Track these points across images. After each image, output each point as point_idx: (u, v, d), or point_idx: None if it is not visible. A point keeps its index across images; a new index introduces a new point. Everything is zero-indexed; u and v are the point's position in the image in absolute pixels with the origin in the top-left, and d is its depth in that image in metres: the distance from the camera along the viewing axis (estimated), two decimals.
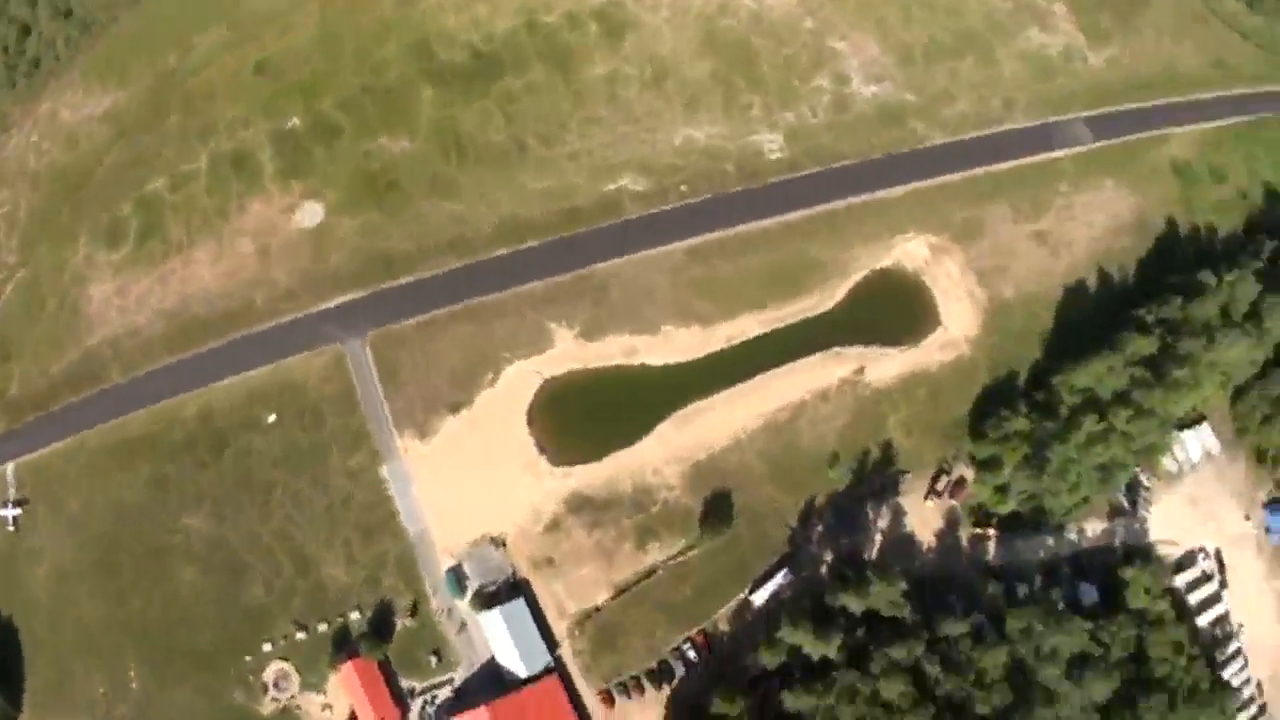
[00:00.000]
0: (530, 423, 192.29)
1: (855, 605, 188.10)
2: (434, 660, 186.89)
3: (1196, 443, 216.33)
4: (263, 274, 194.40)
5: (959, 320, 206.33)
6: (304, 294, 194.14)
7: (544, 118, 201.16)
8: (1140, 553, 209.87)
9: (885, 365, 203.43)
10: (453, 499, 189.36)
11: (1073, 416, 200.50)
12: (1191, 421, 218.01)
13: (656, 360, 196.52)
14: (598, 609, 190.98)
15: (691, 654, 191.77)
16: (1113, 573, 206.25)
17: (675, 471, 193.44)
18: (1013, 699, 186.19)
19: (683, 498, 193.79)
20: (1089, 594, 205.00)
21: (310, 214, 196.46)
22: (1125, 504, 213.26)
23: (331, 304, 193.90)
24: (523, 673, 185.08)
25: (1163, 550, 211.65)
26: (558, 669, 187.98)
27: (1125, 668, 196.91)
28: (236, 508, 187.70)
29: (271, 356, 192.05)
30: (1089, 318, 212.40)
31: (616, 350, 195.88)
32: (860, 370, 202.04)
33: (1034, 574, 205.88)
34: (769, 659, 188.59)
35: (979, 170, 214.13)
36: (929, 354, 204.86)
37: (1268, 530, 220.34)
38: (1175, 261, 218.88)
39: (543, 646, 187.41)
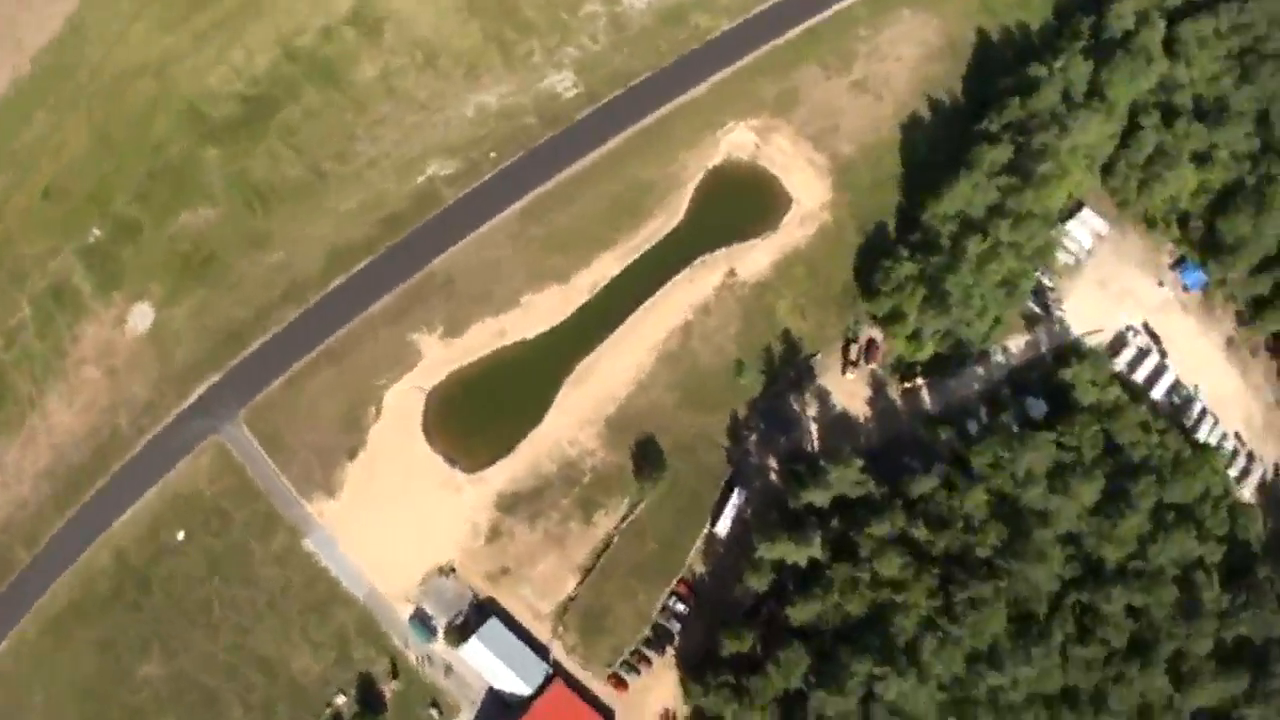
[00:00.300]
0: (430, 440, 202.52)
1: (820, 498, 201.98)
2: (435, 713, 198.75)
3: (1083, 229, 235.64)
4: (118, 395, 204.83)
5: (809, 191, 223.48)
6: (163, 400, 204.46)
7: (331, 137, 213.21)
8: (1071, 351, 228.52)
9: (754, 258, 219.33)
10: (385, 546, 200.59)
11: (956, 244, 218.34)
12: (1071, 211, 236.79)
13: (529, 333, 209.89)
14: (572, 598, 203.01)
15: (680, 607, 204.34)
16: (1052, 380, 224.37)
17: (591, 434, 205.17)
18: (1008, 532, 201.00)
19: (608, 458, 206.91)
20: (1037, 408, 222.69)
21: (141, 317, 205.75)
22: (1039, 310, 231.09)
23: (193, 398, 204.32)
24: (525, 690, 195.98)
25: (1092, 341, 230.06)
26: (558, 672, 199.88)
27: (1103, 463, 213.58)
28: (184, 638, 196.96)
29: (156, 474, 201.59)
30: (935, 147, 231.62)
31: (485, 337, 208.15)
32: (732, 272, 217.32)
33: (978, 407, 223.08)
34: (757, 582, 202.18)
35: (774, 42, 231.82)
36: (792, 233, 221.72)
37: (1185, 288, 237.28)
38: (999, 66, 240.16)
39: (534, 657, 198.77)
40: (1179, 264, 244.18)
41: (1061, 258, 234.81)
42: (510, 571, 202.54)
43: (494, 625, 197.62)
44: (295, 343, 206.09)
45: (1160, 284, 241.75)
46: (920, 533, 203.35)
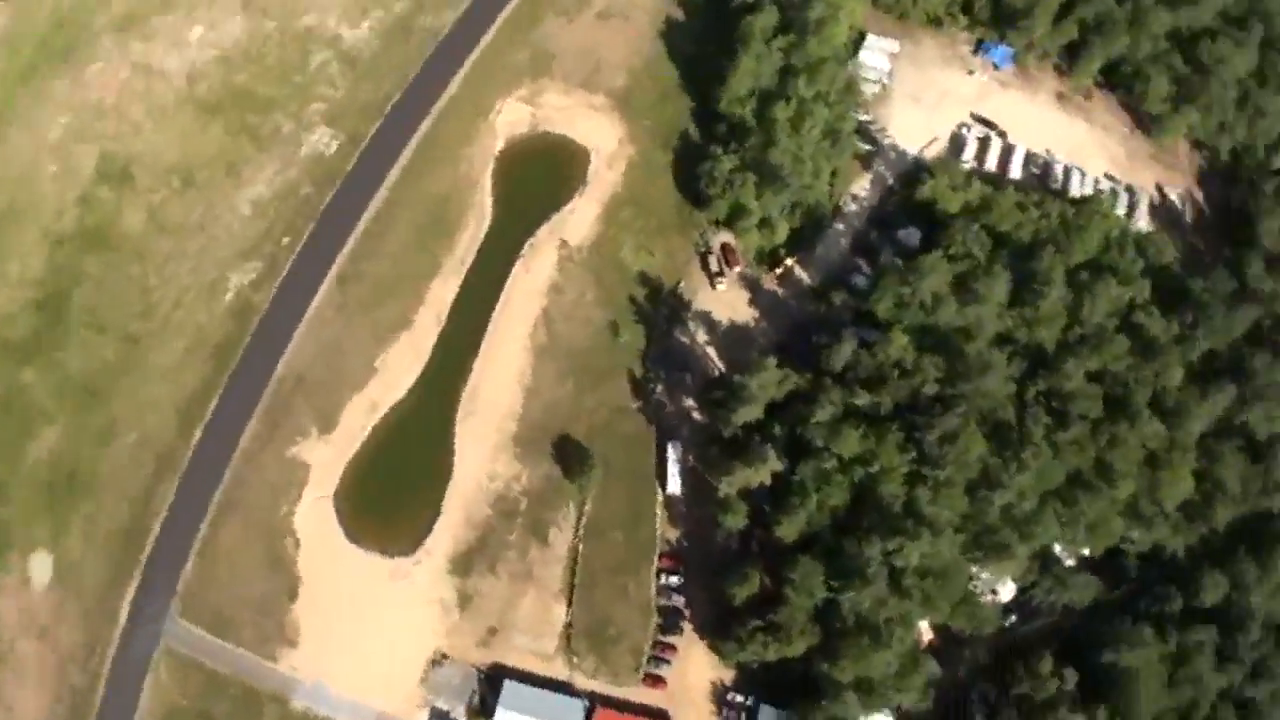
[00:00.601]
0: (358, 542, 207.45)
1: (752, 414, 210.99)
2: None
3: (876, 55, 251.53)
4: (60, 653, 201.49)
5: (601, 134, 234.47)
6: (99, 633, 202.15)
7: (128, 299, 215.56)
8: (917, 171, 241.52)
9: (578, 220, 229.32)
10: (369, 665, 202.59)
11: (762, 118, 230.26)
12: (857, 43, 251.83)
13: (399, 392, 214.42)
14: (569, 625, 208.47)
15: (674, 580, 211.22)
16: (912, 205, 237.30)
17: (506, 460, 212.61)
18: (942, 359, 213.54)
19: (534, 474, 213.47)
20: (911, 236, 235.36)
21: (41, 567, 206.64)
22: (870, 147, 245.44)
23: (123, 618, 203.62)
24: None
25: (932, 152, 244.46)
26: (595, 701, 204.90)
27: (998, 257, 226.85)
28: None
29: (129, 712, 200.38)
30: (701, 39, 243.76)
31: (360, 417, 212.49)
32: (563, 243, 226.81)
33: (855, 262, 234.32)
34: (733, 520, 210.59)
35: (505, 13, 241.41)
36: (603, 180, 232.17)
37: (995, 66, 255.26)
38: None
39: (565, 699, 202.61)
40: (980, 48, 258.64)
41: (867, 89, 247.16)
42: (498, 629, 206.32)
43: (511, 689, 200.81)
44: (188, 512, 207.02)
45: (970, 73, 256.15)
46: (862, 399, 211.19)
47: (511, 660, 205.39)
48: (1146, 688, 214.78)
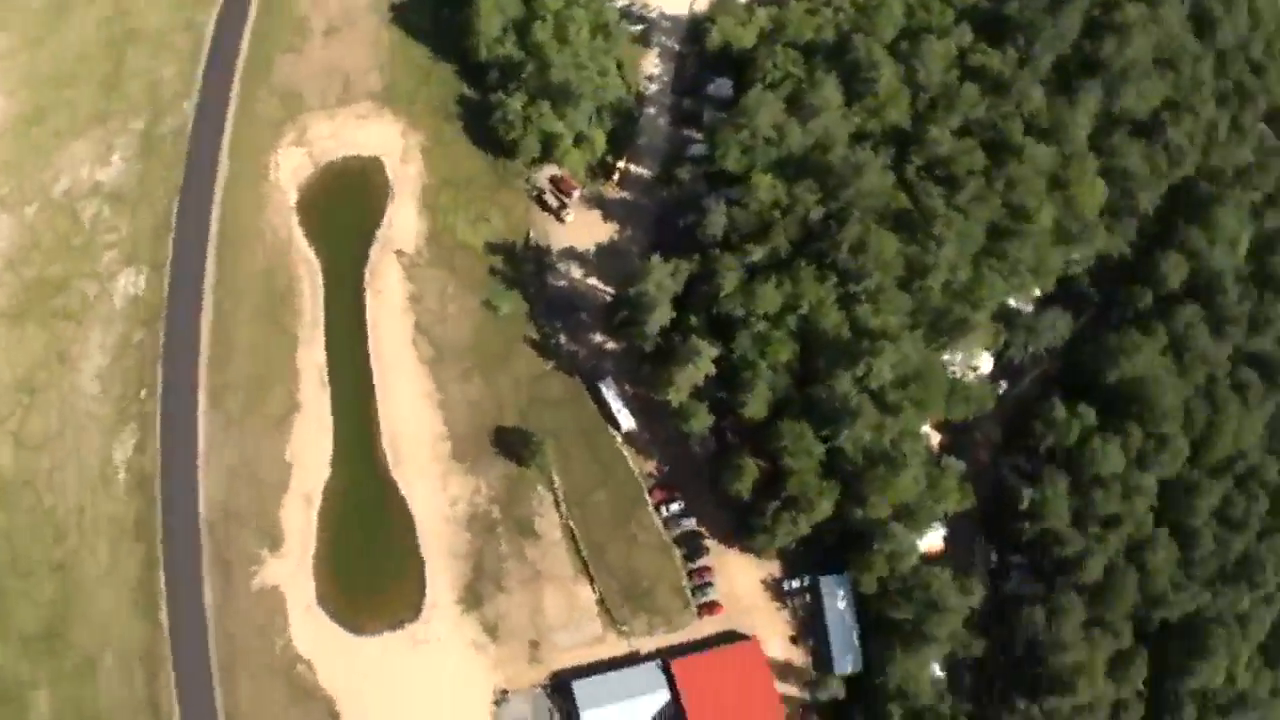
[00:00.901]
0: (362, 632, 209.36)
1: (663, 316, 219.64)
2: None
3: None
4: None
5: (383, 137, 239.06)
6: None
7: (36, 530, 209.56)
8: (699, 23, 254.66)
9: (402, 226, 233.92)
10: None
11: (526, 46, 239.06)
12: None
13: (322, 472, 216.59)
14: (600, 600, 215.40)
15: (675, 507, 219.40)
16: (709, 58, 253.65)
17: (458, 480, 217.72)
18: (816, 173, 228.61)
19: (490, 479, 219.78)
20: (723, 88, 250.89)
21: None
22: (640, 25, 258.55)
23: None
24: (661, 695, 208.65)
25: (702, 2, 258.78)
26: (668, 657, 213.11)
27: (815, 66, 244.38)
28: None
29: None
30: (436, 11, 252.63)
31: (301, 519, 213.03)
32: (400, 253, 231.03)
33: (682, 135, 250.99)
34: (699, 424, 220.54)
35: (235, 76, 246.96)
36: (406, 177, 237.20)
37: None
38: None
39: (639, 671, 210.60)
40: None
41: None
42: (538, 640, 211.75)
43: (583, 688, 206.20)
44: (197, 696, 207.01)
45: None
46: (758, 253, 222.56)
47: (568, 661, 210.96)
48: (1160, 384, 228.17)
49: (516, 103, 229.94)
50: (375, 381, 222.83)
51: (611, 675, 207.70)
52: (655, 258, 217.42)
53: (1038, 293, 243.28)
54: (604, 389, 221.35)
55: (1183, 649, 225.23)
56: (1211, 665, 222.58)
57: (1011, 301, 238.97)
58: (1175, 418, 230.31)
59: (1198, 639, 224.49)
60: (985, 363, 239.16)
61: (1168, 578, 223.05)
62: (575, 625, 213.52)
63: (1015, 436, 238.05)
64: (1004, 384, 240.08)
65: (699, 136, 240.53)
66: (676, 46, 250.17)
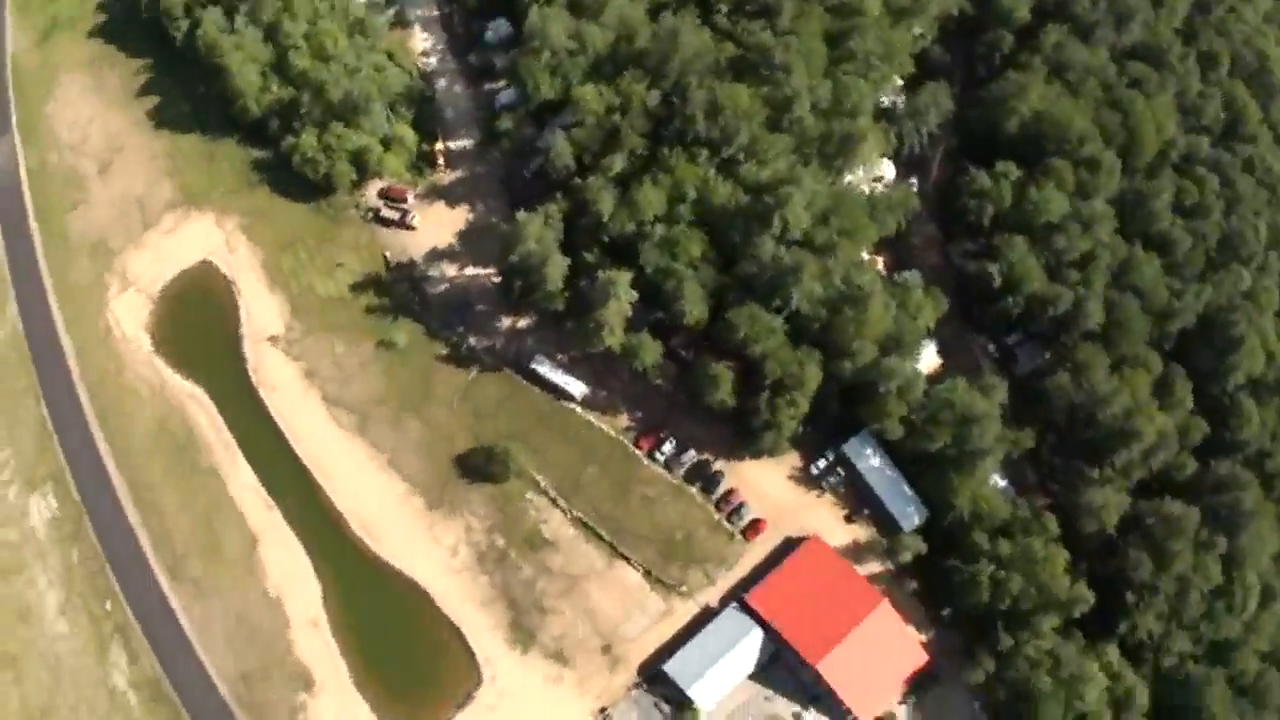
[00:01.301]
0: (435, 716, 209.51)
1: (558, 268, 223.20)
2: None
3: None
4: None
5: (197, 238, 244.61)
6: None
7: None
8: None
9: (260, 311, 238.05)
10: None
11: (291, 79, 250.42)
12: None
13: (314, 591, 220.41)
14: (646, 573, 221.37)
15: (669, 448, 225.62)
16: (474, 8, 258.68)
17: (443, 528, 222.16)
18: (636, 60, 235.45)
19: (476, 510, 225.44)
20: (502, 27, 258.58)
21: None
22: (392, 8, 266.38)
23: None
24: (755, 634, 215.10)
25: None
26: (741, 596, 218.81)
27: None
28: None
29: None
30: (189, 91, 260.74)
31: (319, 646, 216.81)
32: (273, 338, 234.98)
33: (487, 91, 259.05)
34: (649, 354, 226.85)
35: (38, 253, 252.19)
36: (242, 263, 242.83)
37: None
38: None
39: (726, 621, 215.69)
40: None
41: None
42: (607, 644, 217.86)
43: (677, 666, 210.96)
44: None
45: None
46: (617, 163, 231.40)
47: (649, 649, 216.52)
48: (1061, 110, 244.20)
49: (309, 138, 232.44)
50: (315, 474, 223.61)
51: (696, 640, 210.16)
52: (520, 214, 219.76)
53: (900, 81, 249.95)
54: (539, 368, 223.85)
55: (1212, 349, 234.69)
56: (1246, 352, 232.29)
57: (884, 100, 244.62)
58: (1091, 136, 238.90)
59: (1221, 331, 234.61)
60: (888, 170, 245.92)
61: (1165, 287, 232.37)
62: (636, 611, 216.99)
63: (953, 224, 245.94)
64: (914, 181, 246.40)
65: (502, 84, 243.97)
66: (436, 11, 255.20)
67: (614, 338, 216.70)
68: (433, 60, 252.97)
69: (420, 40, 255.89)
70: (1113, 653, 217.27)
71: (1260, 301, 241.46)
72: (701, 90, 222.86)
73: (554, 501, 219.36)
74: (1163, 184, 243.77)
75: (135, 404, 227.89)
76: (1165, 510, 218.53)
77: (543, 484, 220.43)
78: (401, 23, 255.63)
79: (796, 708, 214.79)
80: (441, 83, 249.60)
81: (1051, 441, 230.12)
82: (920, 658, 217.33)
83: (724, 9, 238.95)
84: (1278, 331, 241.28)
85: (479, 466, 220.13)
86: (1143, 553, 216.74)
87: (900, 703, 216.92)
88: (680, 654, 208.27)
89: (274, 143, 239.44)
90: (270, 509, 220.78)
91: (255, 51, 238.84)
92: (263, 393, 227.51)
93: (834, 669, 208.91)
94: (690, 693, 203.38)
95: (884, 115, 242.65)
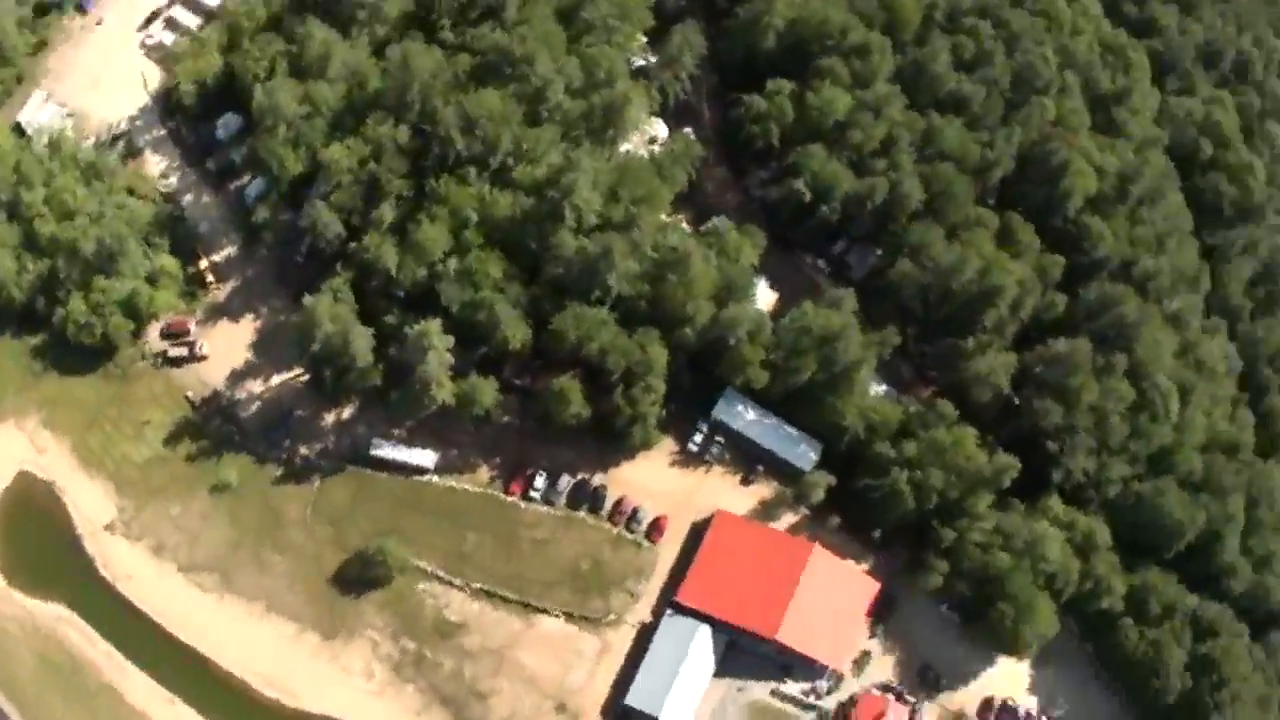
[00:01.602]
0: None
1: (363, 340, 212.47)
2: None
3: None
4: None
5: (5, 447, 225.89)
6: None
7: None
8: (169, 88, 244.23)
9: (84, 501, 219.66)
10: None
11: (35, 243, 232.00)
12: None
13: None
14: (568, 616, 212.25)
15: (540, 482, 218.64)
16: (197, 104, 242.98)
17: (354, 655, 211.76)
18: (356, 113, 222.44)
19: (378, 620, 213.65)
20: (232, 123, 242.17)
21: None
22: (119, 142, 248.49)
23: None
24: (702, 632, 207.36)
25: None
26: (667, 599, 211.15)
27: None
28: None
29: None
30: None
31: None
32: (109, 525, 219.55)
33: (230, 190, 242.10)
34: (486, 398, 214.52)
35: None
36: (49, 458, 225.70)
37: None
38: None
39: (661, 635, 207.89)
40: None
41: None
42: (559, 702, 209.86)
43: (638, 696, 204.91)
44: None
45: None
46: (387, 209, 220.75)
47: (601, 691, 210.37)
48: (813, 8, 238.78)
49: (77, 303, 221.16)
50: (199, 648, 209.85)
51: (646, 662, 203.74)
52: (306, 299, 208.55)
53: (644, 38, 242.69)
54: (380, 452, 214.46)
55: (1041, 184, 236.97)
56: (1074, 174, 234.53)
57: (635, 60, 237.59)
58: (852, 25, 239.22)
59: (1041, 164, 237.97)
60: (660, 128, 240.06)
61: (973, 143, 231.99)
62: (573, 658, 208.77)
63: (741, 159, 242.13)
64: (690, 130, 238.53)
65: (248, 177, 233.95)
66: (162, 130, 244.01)
67: (444, 390, 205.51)
68: (173, 179, 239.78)
69: (154, 164, 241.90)
70: (1056, 505, 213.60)
71: (1072, 123, 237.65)
72: (450, 108, 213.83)
73: (447, 582, 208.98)
74: (937, 47, 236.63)
75: (12, 646, 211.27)
76: (1052, 352, 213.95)
77: (429, 569, 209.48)
78: (132, 152, 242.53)
79: (772, 684, 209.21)
80: (188, 198, 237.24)
81: (914, 332, 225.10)
82: (871, 587, 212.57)
83: (445, 24, 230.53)
84: (1098, 146, 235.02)
85: (358, 576, 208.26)
86: (1046, 399, 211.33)
87: (870, 637, 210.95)
88: (636, 682, 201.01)
89: (46, 322, 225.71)
90: (173, 703, 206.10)
91: (4, 236, 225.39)
92: (120, 586, 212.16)
93: (793, 633, 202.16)
94: (662, 716, 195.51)
95: (641, 74, 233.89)
